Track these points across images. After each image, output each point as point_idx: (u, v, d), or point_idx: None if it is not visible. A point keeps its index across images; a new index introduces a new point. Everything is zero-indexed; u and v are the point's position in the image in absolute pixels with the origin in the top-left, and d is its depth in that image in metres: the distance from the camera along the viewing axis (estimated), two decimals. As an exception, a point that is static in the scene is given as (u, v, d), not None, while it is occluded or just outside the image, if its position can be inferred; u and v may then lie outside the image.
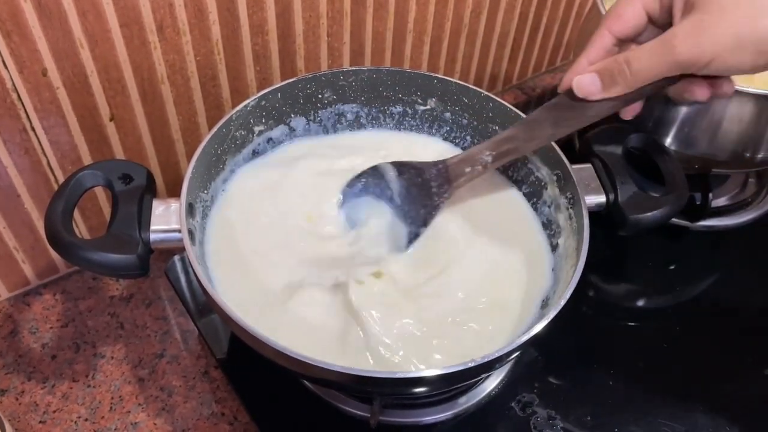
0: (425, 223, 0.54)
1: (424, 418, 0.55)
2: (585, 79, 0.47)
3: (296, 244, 0.53)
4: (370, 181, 0.55)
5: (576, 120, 0.49)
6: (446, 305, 0.50)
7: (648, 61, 0.44)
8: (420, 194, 0.54)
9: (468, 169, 0.53)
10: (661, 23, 0.47)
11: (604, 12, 0.62)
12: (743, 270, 0.71)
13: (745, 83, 0.56)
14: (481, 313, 0.50)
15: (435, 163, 0.54)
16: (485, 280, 0.52)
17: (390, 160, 0.56)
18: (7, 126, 0.54)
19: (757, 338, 0.64)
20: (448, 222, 0.55)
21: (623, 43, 0.49)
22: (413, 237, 0.53)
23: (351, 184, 0.56)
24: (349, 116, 0.63)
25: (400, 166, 0.55)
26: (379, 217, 0.55)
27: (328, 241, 0.54)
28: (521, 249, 0.55)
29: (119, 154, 0.62)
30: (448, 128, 0.63)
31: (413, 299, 0.50)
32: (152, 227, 0.48)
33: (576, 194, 0.52)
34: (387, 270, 0.52)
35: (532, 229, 0.57)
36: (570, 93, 0.48)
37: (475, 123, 0.62)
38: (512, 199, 0.60)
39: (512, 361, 0.58)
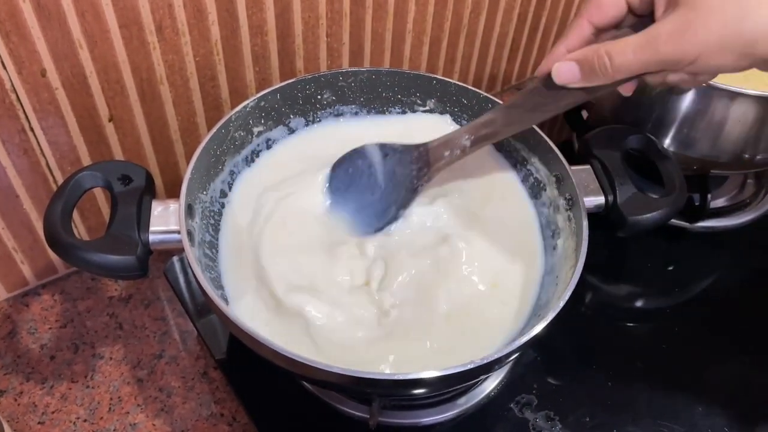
0: (404, 205, 0.54)
1: (423, 419, 0.55)
2: (564, 67, 0.47)
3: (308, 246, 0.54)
4: (356, 162, 0.56)
5: (553, 106, 0.49)
6: (444, 305, 0.51)
7: (631, 57, 0.43)
8: (403, 176, 0.54)
9: (447, 153, 0.53)
10: (640, 12, 0.47)
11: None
12: (742, 271, 0.71)
13: (743, 85, 0.56)
14: (478, 313, 0.51)
15: (416, 146, 0.54)
16: (482, 280, 0.52)
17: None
18: (5, 126, 0.54)
19: (756, 339, 0.64)
20: (450, 216, 0.55)
21: (601, 32, 0.49)
22: (392, 219, 0.54)
23: (337, 165, 0.56)
24: (349, 117, 0.63)
25: (384, 147, 0.55)
26: (363, 200, 0.55)
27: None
28: (520, 249, 0.55)
29: (118, 154, 0.62)
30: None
31: (415, 298, 0.51)
32: (151, 228, 0.48)
33: (575, 195, 0.52)
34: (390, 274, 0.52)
35: (532, 228, 0.57)
36: (547, 79, 0.48)
37: (475, 124, 0.62)
38: (517, 195, 0.60)
39: (511, 362, 0.58)
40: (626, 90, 0.49)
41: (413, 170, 0.54)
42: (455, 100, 0.61)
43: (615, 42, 0.44)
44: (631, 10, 0.47)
